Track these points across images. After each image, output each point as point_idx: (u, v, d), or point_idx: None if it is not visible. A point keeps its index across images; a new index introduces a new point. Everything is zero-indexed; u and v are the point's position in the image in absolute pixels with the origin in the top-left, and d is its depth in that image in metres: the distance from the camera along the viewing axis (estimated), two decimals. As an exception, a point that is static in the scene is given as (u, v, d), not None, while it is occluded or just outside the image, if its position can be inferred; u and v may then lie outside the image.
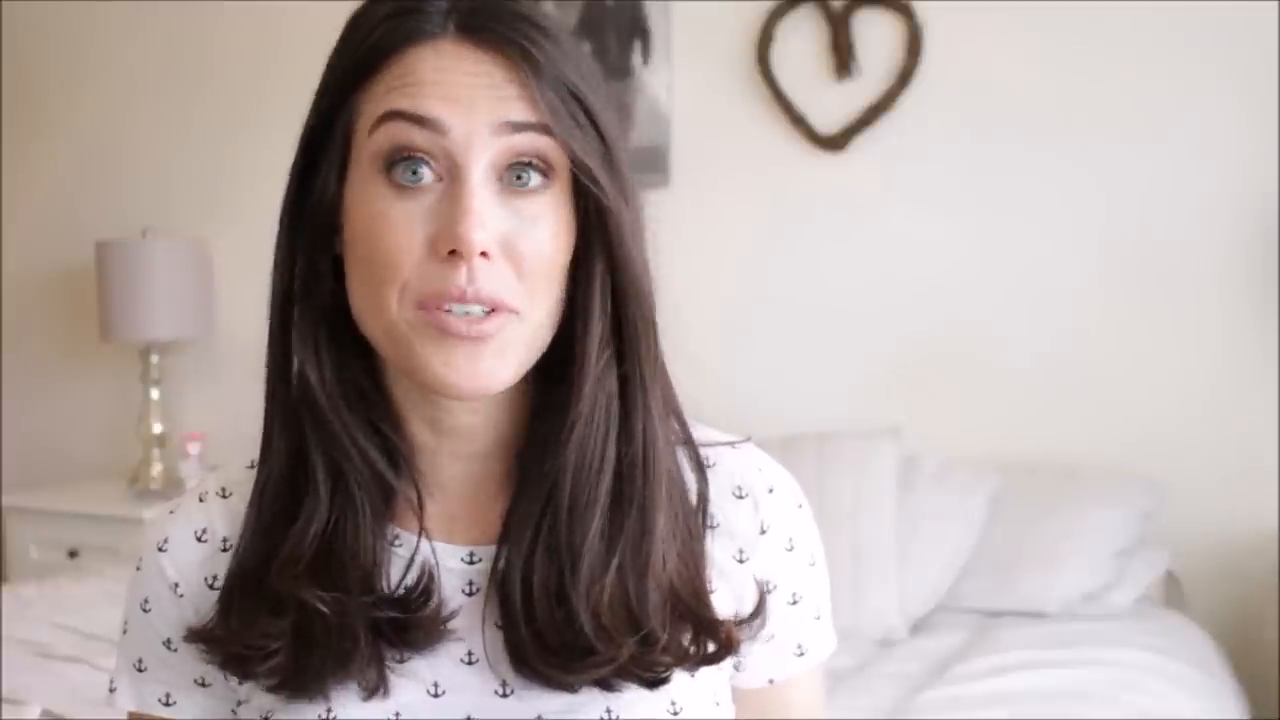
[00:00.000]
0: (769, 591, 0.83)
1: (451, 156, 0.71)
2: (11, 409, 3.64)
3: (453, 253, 0.70)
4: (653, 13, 2.85)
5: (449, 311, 0.71)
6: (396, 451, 0.79)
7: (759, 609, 0.82)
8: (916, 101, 2.63)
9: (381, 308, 0.72)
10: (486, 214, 0.71)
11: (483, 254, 0.70)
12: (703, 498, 0.82)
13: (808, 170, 2.74)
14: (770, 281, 2.79)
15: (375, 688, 0.77)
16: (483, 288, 0.70)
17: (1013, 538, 2.32)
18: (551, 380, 0.78)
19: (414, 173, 0.71)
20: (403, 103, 0.71)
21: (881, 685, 1.96)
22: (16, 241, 3.65)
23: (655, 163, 2.82)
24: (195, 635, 0.81)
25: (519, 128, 0.71)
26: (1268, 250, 2.39)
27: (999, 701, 1.82)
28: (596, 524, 0.76)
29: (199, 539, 0.84)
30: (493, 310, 0.71)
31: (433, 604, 0.78)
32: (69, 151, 3.57)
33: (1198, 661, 2.06)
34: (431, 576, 0.78)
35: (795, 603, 0.85)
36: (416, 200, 0.71)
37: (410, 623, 0.77)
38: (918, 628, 2.27)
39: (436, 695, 0.78)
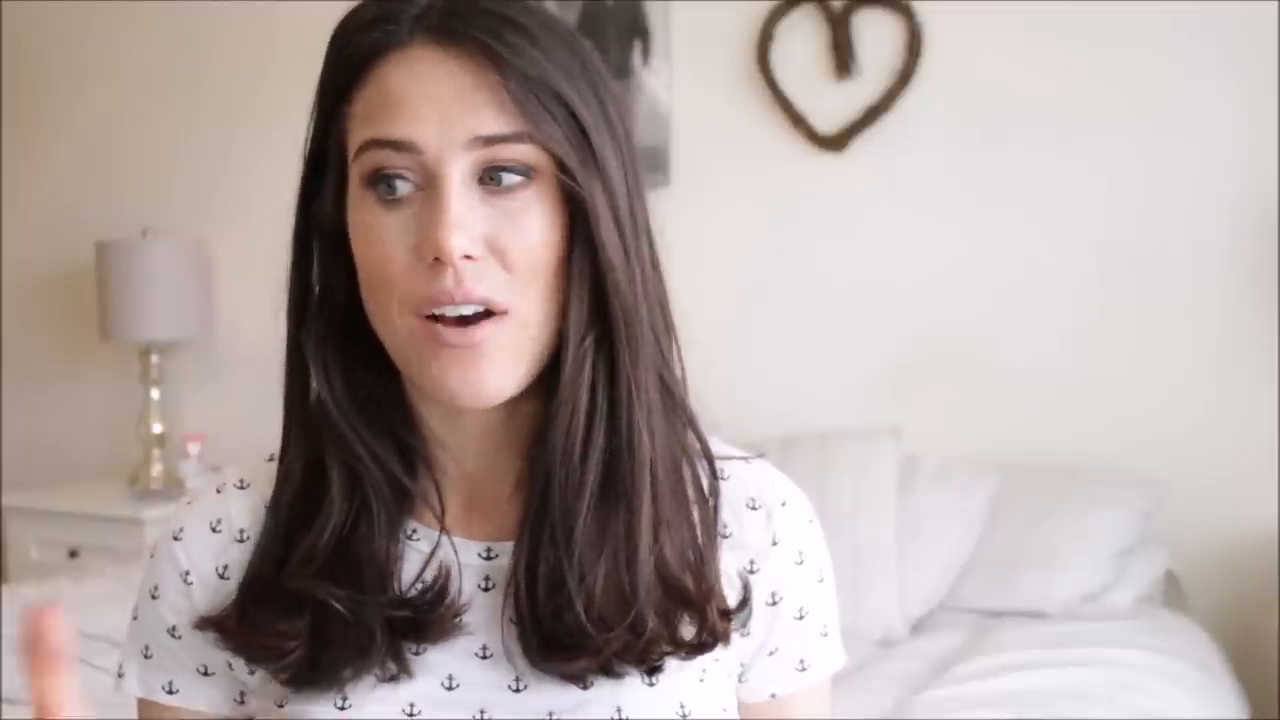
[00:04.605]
0: (774, 604, 0.84)
1: (427, 169, 0.72)
2: (11, 409, 3.64)
3: (437, 259, 0.71)
4: (653, 13, 2.85)
5: (442, 317, 0.72)
6: (413, 453, 0.80)
7: (743, 602, 0.82)
8: (916, 101, 2.63)
9: (386, 319, 0.75)
10: (465, 218, 0.72)
11: (467, 257, 0.71)
12: (714, 495, 0.82)
13: (808, 170, 2.74)
14: (770, 281, 2.79)
15: (395, 676, 0.78)
16: (471, 289, 0.72)
17: (1013, 538, 2.31)
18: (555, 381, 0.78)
19: (390, 186, 0.73)
20: (378, 129, 0.73)
21: (881, 685, 1.96)
22: (16, 241, 3.65)
23: (655, 163, 2.82)
24: (208, 623, 0.81)
25: (490, 141, 0.72)
26: (1268, 250, 2.39)
27: (999, 701, 1.82)
28: (587, 512, 0.76)
29: (214, 529, 0.85)
30: (485, 313, 0.73)
31: (447, 602, 0.79)
32: (69, 151, 3.57)
33: (1198, 661, 2.06)
34: (447, 574, 0.79)
35: (801, 618, 0.86)
36: (400, 212, 0.73)
37: (424, 620, 0.78)
38: (918, 628, 2.27)
39: (450, 689, 0.79)
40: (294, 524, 0.80)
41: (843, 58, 2.67)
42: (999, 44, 2.58)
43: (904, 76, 2.62)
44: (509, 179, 0.73)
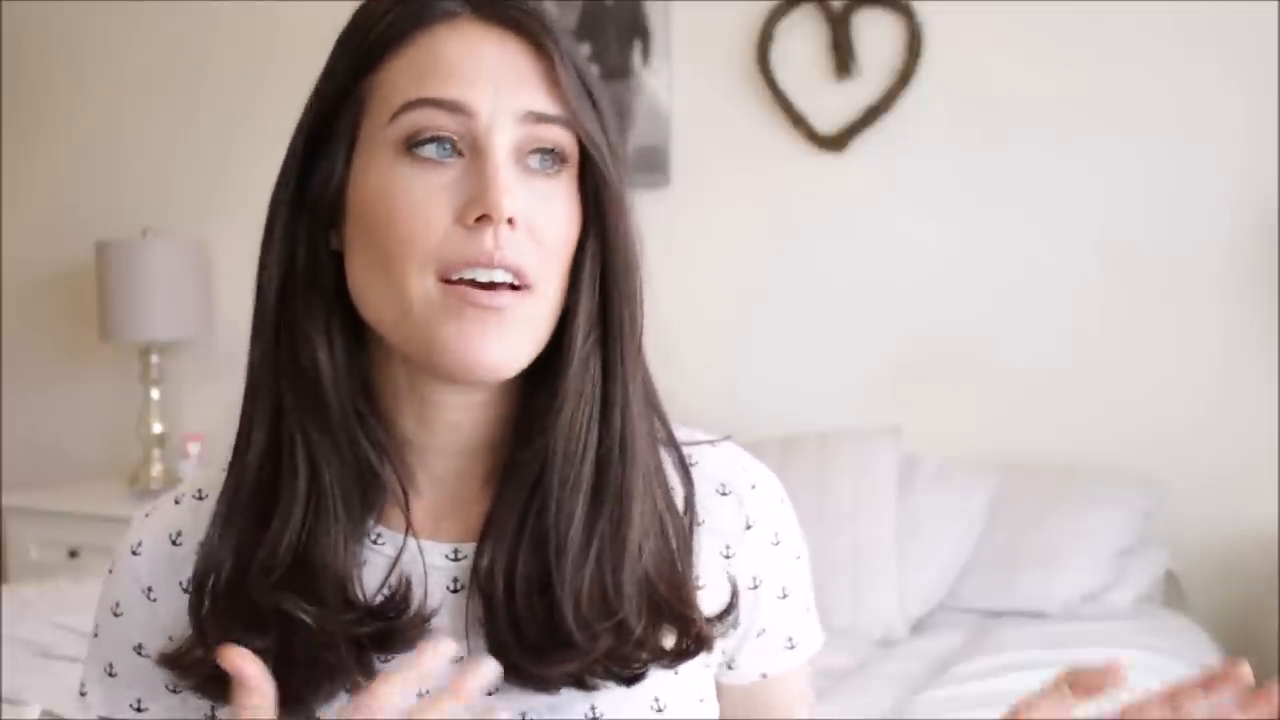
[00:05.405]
0: (755, 587, 0.84)
1: (475, 136, 0.72)
2: (11, 409, 3.64)
3: (480, 219, 0.71)
4: (653, 13, 2.85)
5: (473, 282, 0.71)
6: (382, 445, 0.78)
7: (731, 605, 0.82)
8: (916, 101, 2.63)
9: (400, 287, 0.72)
10: (513, 185, 0.72)
11: (509, 221, 0.71)
12: (689, 496, 0.82)
13: (808, 170, 2.74)
14: (770, 281, 2.79)
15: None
16: (508, 254, 0.72)
17: (1013, 538, 2.31)
18: (538, 377, 0.77)
19: (432, 146, 0.72)
20: (428, 89, 0.72)
21: (881, 685, 1.96)
22: (16, 241, 3.65)
23: (655, 163, 2.82)
24: (168, 660, 0.79)
25: (542, 119, 0.73)
26: (1268, 250, 2.39)
27: (999, 701, 1.80)
28: (580, 511, 0.76)
29: (173, 542, 0.83)
30: (516, 286, 0.72)
31: (411, 610, 0.77)
32: (69, 151, 3.57)
33: (1198, 662, 2.06)
34: (409, 583, 0.77)
35: (784, 596, 0.86)
36: (439, 174, 0.72)
37: (390, 630, 0.76)
38: (918, 628, 2.27)
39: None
40: (248, 523, 0.77)
41: (843, 58, 2.67)
42: (999, 44, 2.58)
43: (904, 76, 2.62)
44: (545, 163, 0.74)
